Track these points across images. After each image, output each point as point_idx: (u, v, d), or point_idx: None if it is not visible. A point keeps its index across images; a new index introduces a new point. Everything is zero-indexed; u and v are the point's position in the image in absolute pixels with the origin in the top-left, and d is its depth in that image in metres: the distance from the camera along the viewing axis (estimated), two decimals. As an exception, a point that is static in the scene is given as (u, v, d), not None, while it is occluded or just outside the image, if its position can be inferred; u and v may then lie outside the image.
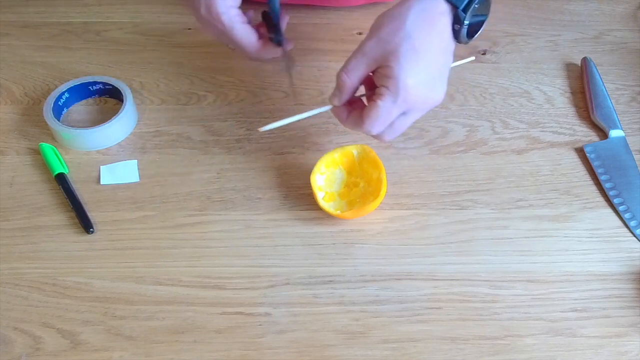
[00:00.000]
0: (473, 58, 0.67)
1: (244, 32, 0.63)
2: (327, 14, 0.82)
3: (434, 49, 0.54)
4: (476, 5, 0.55)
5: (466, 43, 0.57)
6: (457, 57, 0.76)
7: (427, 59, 0.54)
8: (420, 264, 0.58)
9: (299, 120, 0.60)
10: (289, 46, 0.66)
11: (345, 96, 0.57)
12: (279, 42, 0.64)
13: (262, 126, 0.59)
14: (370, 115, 0.55)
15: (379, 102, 0.54)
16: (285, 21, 0.66)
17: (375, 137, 0.58)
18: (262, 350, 0.53)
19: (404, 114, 0.56)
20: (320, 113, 0.60)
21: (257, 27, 0.65)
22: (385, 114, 0.54)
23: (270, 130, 0.68)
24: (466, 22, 0.55)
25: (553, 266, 0.58)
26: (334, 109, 0.59)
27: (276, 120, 0.59)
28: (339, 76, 0.57)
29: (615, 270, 0.58)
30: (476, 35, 0.58)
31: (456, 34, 0.56)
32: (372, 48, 0.55)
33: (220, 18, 0.61)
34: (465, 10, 0.54)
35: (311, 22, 0.82)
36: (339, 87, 0.57)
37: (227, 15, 0.62)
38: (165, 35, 0.80)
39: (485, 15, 0.58)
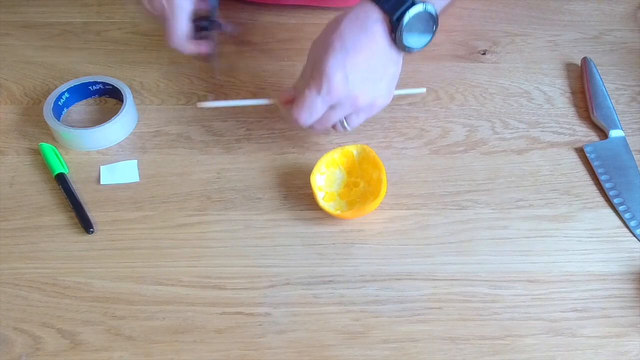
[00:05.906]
0: (423, 90, 0.69)
1: (181, 19, 0.62)
2: (327, 14, 0.82)
3: (365, 51, 0.58)
4: (410, 16, 0.57)
5: (409, 52, 0.60)
6: (455, 57, 0.77)
7: (356, 59, 0.57)
8: (420, 264, 0.58)
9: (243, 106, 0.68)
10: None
11: (292, 95, 0.62)
12: (208, 27, 0.65)
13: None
14: (298, 103, 0.59)
15: (306, 91, 0.58)
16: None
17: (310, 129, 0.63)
18: (262, 350, 0.53)
19: (332, 108, 0.59)
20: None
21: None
22: (311, 103, 0.58)
23: (269, 130, 0.68)
24: (402, 32, 0.58)
25: (553, 266, 0.58)
26: (282, 103, 0.64)
27: (220, 100, 0.69)
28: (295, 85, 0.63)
29: (615, 270, 0.58)
30: (419, 47, 0.60)
31: (397, 42, 0.59)
32: (313, 49, 0.60)
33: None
34: (398, 19, 0.57)
35: (311, 22, 0.82)
36: (293, 87, 0.62)
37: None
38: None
39: (430, 34, 0.60)
